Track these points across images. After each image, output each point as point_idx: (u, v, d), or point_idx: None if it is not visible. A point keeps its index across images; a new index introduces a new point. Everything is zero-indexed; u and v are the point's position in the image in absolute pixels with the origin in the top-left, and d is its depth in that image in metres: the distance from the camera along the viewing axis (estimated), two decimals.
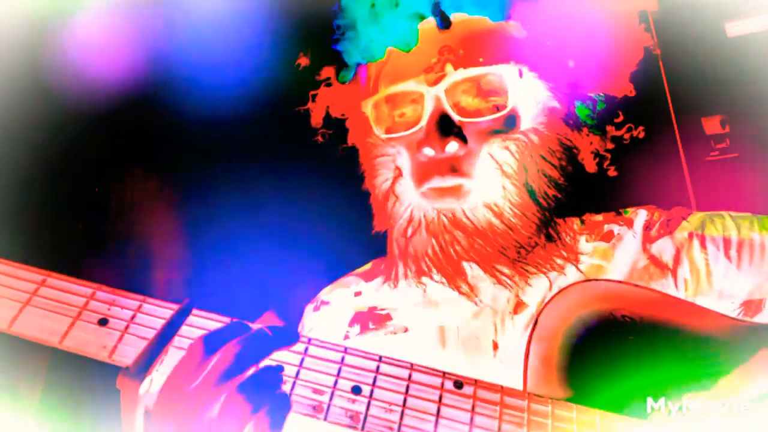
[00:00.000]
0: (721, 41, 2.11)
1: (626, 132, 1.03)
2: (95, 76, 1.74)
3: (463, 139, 0.88)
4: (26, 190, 1.57)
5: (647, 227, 0.99)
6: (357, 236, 1.09)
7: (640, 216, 1.01)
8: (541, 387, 0.71)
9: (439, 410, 0.67)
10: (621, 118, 1.03)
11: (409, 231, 0.93)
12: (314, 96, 1.14)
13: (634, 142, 1.05)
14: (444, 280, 0.93)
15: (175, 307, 0.72)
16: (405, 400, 0.67)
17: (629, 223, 1.00)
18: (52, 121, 1.66)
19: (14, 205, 1.50)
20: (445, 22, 0.93)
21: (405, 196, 0.95)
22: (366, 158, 1.03)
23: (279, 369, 0.68)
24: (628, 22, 1.00)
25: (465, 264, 0.92)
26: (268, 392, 0.65)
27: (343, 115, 1.16)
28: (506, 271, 0.91)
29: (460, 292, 0.93)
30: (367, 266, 1.17)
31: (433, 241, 0.90)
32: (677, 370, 0.72)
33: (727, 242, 0.91)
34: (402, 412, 0.67)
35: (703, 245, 0.92)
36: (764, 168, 1.83)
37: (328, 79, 1.12)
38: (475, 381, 0.69)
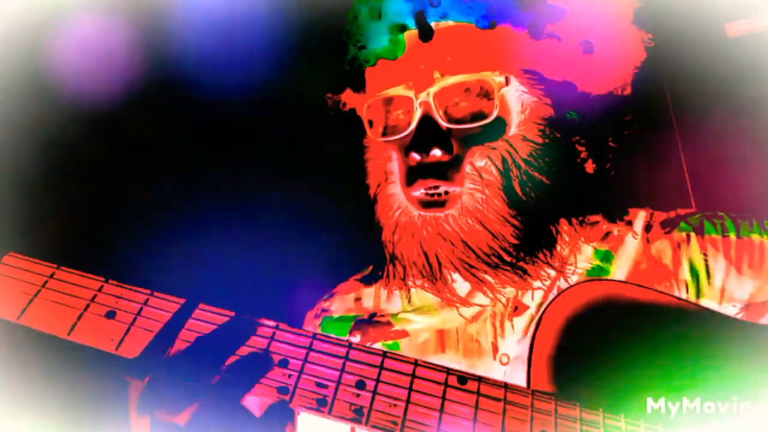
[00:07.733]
0: (721, 41, 2.11)
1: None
2: (96, 75, 1.74)
3: (448, 146, 0.89)
4: (32, 189, 1.57)
5: (646, 229, 0.99)
6: (360, 237, 1.09)
7: (640, 218, 1.01)
8: (543, 386, 0.72)
9: (443, 405, 0.68)
10: (630, 117, 1.01)
11: (396, 235, 0.94)
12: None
13: (634, 142, 1.04)
14: (427, 287, 0.94)
15: (182, 301, 0.73)
16: (409, 395, 0.68)
17: (629, 226, 1.00)
18: (53, 122, 1.66)
19: (21, 203, 1.51)
20: (426, 35, 0.91)
21: (393, 199, 0.95)
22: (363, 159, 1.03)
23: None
24: (625, 16, 0.96)
25: (447, 272, 0.92)
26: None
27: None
28: (488, 278, 0.90)
29: (443, 299, 0.94)
30: (368, 270, 1.17)
31: (418, 247, 0.91)
32: (678, 370, 0.73)
33: (726, 243, 0.92)
34: (406, 407, 0.67)
35: (702, 246, 0.93)
36: (764, 168, 1.83)
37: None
38: (479, 377, 0.70)
